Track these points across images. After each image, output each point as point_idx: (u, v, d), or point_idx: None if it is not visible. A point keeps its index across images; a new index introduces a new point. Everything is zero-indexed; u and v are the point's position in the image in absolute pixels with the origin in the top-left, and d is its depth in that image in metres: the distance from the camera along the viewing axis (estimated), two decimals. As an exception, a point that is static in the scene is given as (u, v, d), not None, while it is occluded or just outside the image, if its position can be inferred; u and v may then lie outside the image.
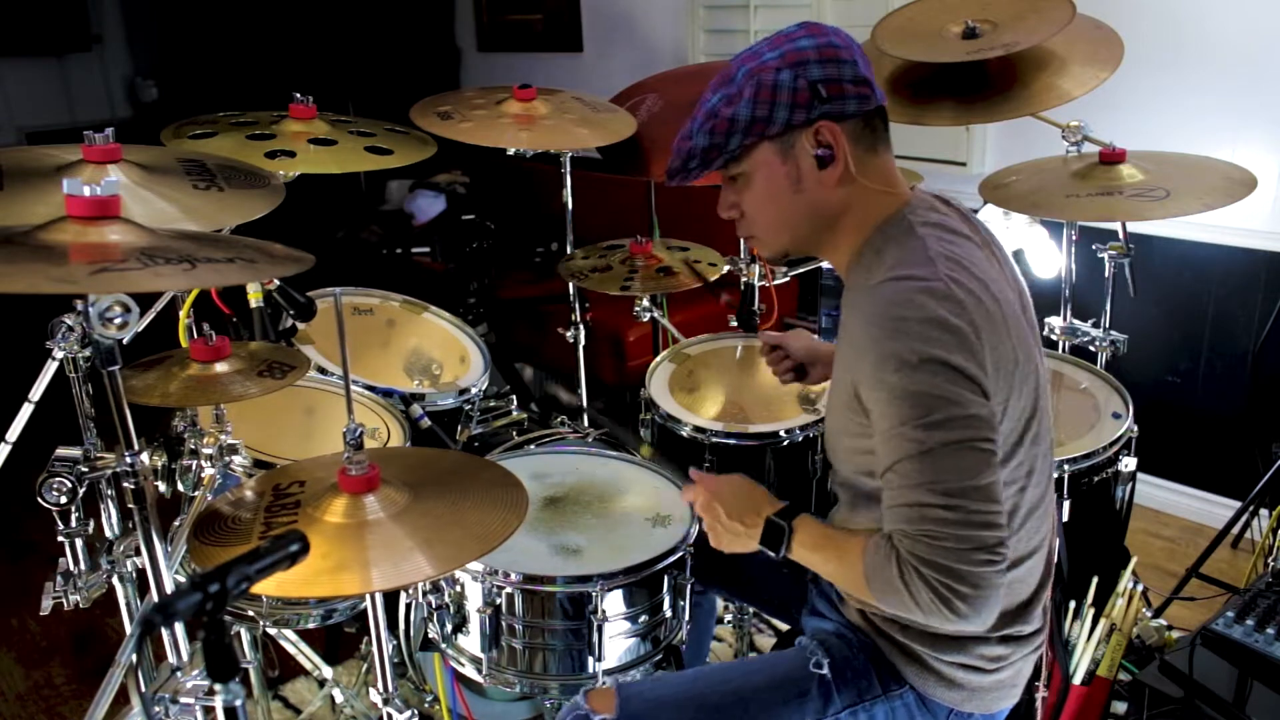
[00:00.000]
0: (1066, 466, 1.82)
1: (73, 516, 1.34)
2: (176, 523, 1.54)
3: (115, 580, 1.48)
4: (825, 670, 1.31)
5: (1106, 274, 2.21)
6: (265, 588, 1.20)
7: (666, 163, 2.22)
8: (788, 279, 2.37)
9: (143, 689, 1.30)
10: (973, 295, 1.13)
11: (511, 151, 2.12)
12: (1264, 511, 2.51)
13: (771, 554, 1.29)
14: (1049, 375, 1.30)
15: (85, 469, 1.27)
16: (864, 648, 1.33)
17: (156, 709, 1.24)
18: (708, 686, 1.33)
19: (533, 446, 1.96)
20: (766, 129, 1.18)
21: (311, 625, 1.79)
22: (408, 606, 1.79)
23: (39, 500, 1.26)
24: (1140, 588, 1.97)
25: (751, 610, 2.24)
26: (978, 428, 1.09)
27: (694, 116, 1.24)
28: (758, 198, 1.25)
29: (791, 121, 1.18)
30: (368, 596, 1.35)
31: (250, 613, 1.68)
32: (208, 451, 1.45)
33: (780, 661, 1.36)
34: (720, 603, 2.05)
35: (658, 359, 2.22)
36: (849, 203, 1.23)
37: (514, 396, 2.30)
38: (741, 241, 2.37)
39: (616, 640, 1.53)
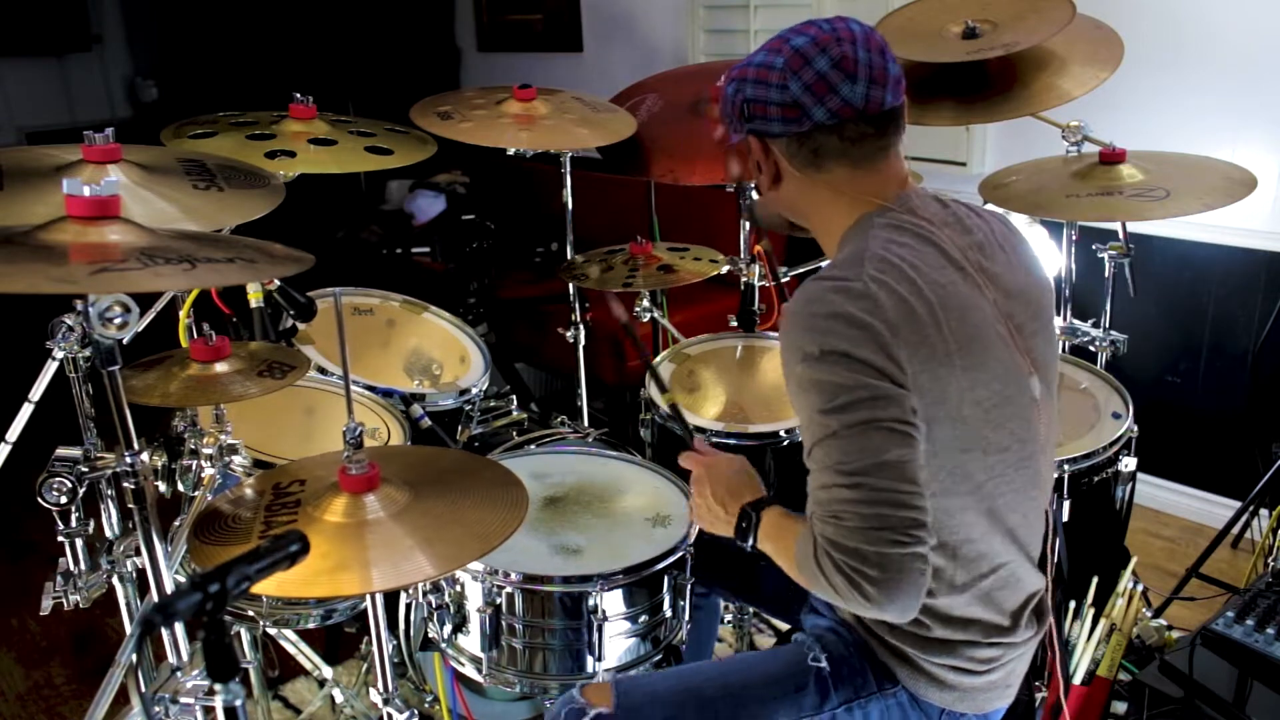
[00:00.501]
0: (1066, 466, 1.82)
1: (73, 516, 1.34)
2: (176, 523, 1.54)
3: (115, 580, 1.48)
4: (823, 665, 1.31)
5: (1106, 274, 2.21)
6: (265, 588, 1.20)
7: (667, 163, 2.23)
8: (788, 279, 2.37)
9: (143, 689, 1.30)
10: (895, 295, 1.13)
11: (511, 151, 2.12)
12: (1264, 511, 2.51)
13: (742, 543, 1.31)
14: (1040, 388, 1.26)
15: (85, 469, 1.27)
16: (858, 646, 1.33)
17: (156, 709, 1.24)
18: (704, 680, 1.34)
19: (533, 446, 1.96)
20: (730, 130, 1.29)
21: (311, 625, 1.79)
22: (408, 606, 1.79)
23: (39, 500, 1.25)
24: (1140, 588, 1.97)
25: (751, 610, 2.24)
26: (884, 407, 1.09)
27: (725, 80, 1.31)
28: (752, 175, 1.33)
29: (734, 129, 1.27)
30: (368, 596, 1.35)
31: (250, 613, 1.68)
32: (208, 451, 1.45)
33: (778, 656, 1.37)
34: (720, 603, 2.05)
35: (658, 359, 2.22)
36: (807, 205, 1.29)
37: (514, 396, 2.30)
38: (742, 241, 2.38)
39: (616, 640, 1.53)
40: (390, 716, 1.40)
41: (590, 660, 1.51)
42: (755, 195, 1.39)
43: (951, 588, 1.23)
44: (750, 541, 1.30)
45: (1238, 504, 2.52)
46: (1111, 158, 1.98)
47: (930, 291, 1.16)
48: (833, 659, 1.32)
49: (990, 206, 2.07)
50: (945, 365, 1.15)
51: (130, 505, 1.24)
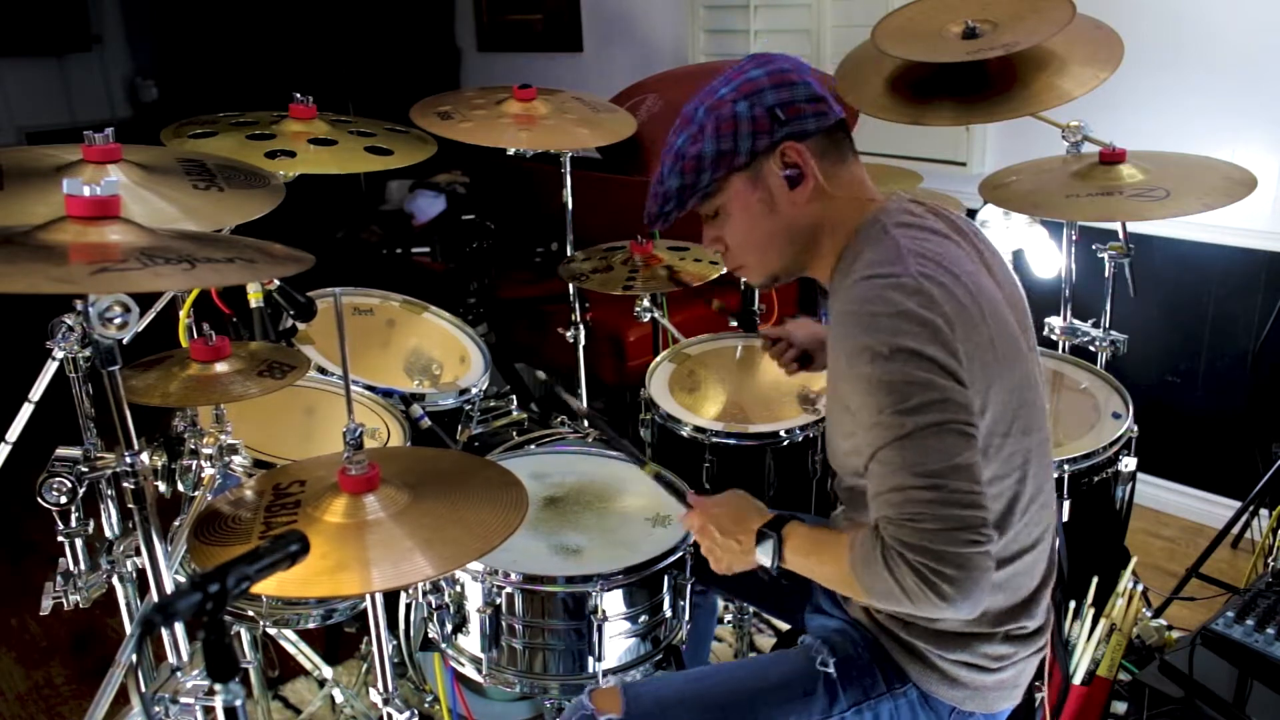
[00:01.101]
0: (1066, 466, 1.82)
1: (73, 516, 1.34)
2: (176, 523, 1.54)
3: (115, 580, 1.48)
4: (831, 669, 1.31)
5: (1106, 274, 2.21)
6: (265, 588, 1.20)
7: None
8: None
9: (143, 689, 1.30)
10: (944, 288, 1.14)
11: (511, 151, 2.12)
12: (1264, 511, 2.51)
13: (768, 565, 1.28)
14: (1044, 371, 1.31)
15: (85, 469, 1.27)
16: (868, 645, 1.33)
17: (156, 709, 1.24)
18: (713, 686, 1.34)
19: (533, 446, 1.96)
20: (734, 160, 1.22)
21: (311, 625, 1.79)
22: (408, 606, 1.79)
23: (39, 500, 1.25)
24: (1140, 588, 1.97)
25: (752, 610, 2.24)
26: (954, 410, 1.10)
27: (662, 162, 1.27)
28: (738, 228, 1.28)
29: (755, 149, 1.22)
30: (368, 596, 1.35)
31: (250, 613, 1.68)
32: (208, 451, 1.45)
33: (786, 660, 1.37)
34: (720, 603, 2.05)
35: (658, 359, 2.22)
36: (824, 216, 1.27)
37: (514, 396, 2.30)
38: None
39: (616, 640, 1.53)
40: (390, 716, 1.40)
41: (590, 660, 1.51)
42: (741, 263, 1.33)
43: None
44: (775, 563, 1.27)
45: (1238, 504, 2.52)
46: (1111, 158, 1.98)
47: (968, 282, 1.18)
48: (840, 661, 1.32)
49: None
50: (990, 353, 1.17)
51: (130, 505, 1.24)
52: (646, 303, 2.39)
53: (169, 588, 1.28)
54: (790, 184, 1.24)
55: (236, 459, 1.50)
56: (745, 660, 1.43)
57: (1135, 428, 1.95)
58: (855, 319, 1.14)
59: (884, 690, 1.30)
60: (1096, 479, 1.88)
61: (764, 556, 1.28)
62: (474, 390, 2.15)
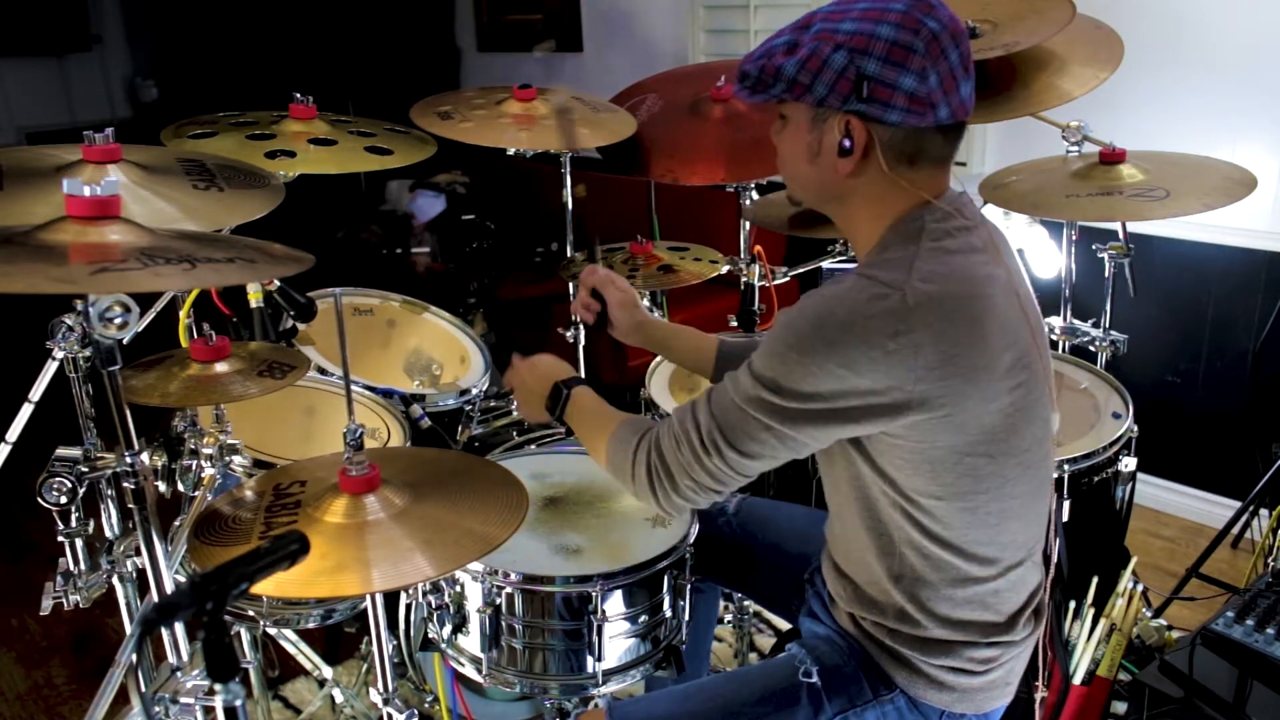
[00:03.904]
0: (1066, 466, 1.82)
1: (73, 516, 1.34)
2: (176, 523, 1.54)
3: (115, 580, 1.48)
4: (814, 678, 1.30)
5: (1106, 274, 2.21)
6: (265, 588, 1.20)
7: (667, 163, 2.23)
8: (788, 279, 2.37)
9: (143, 689, 1.30)
10: (936, 309, 1.10)
11: (511, 151, 2.12)
12: (1264, 511, 2.51)
13: (550, 419, 1.48)
14: (1049, 388, 1.26)
15: (85, 469, 1.27)
16: (853, 653, 1.32)
17: (156, 709, 1.24)
18: (699, 703, 1.33)
19: (533, 446, 1.96)
20: (805, 95, 1.15)
21: (311, 625, 1.79)
22: (408, 606, 1.79)
23: (39, 500, 1.25)
24: (1140, 588, 1.97)
25: (752, 610, 2.24)
26: (786, 422, 1.16)
27: (770, 39, 1.19)
28: (784, 145, 1.24)
29: (827, 101, 1.13)
30: (368, 596, 1.35)
31: (250, 613, 1.68)
32: (208, 451, 1.45)
33: (770, 671, 1.36)
34: (720, 603, 2.05)
35: (658, 359, 2.22)
36: (866, 193, 1.20)
37: (514, 396, 2.30)
38: (742, 241, 2.38)
39: (616, 640, 1.52)
40: (390, 716, 1.40)
41: (590, 661, 1.51)
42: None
43: (955, 584, 1.23)
44: (558, 412, 1.46)
45: (1238, 504, 2.52)
46: (1111, 158, 1.98)
47: (977, 299, 1.13)
48: (825, 670, 1.31)
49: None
50: (969, 379, 1.12)
51: (130, 505, 1.24)
52: (646, 302, 2.38)
53: (169, 588, 1.28)
54: (840, 150, 1.16)
55: (236, 459, 1.50)
56: (731, 673, 1.42)
57: (1135, 428, 1.95)
58: (829, 300, 1.13)
59: (870, 698, 1.29)
60: (1096, 479, 1.88)
61: (551, 407, 1.48)
62: (474, 390, 2.15)
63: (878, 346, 1.09)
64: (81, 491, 1.27)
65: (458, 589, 1.54)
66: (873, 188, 1.19)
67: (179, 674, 1.27)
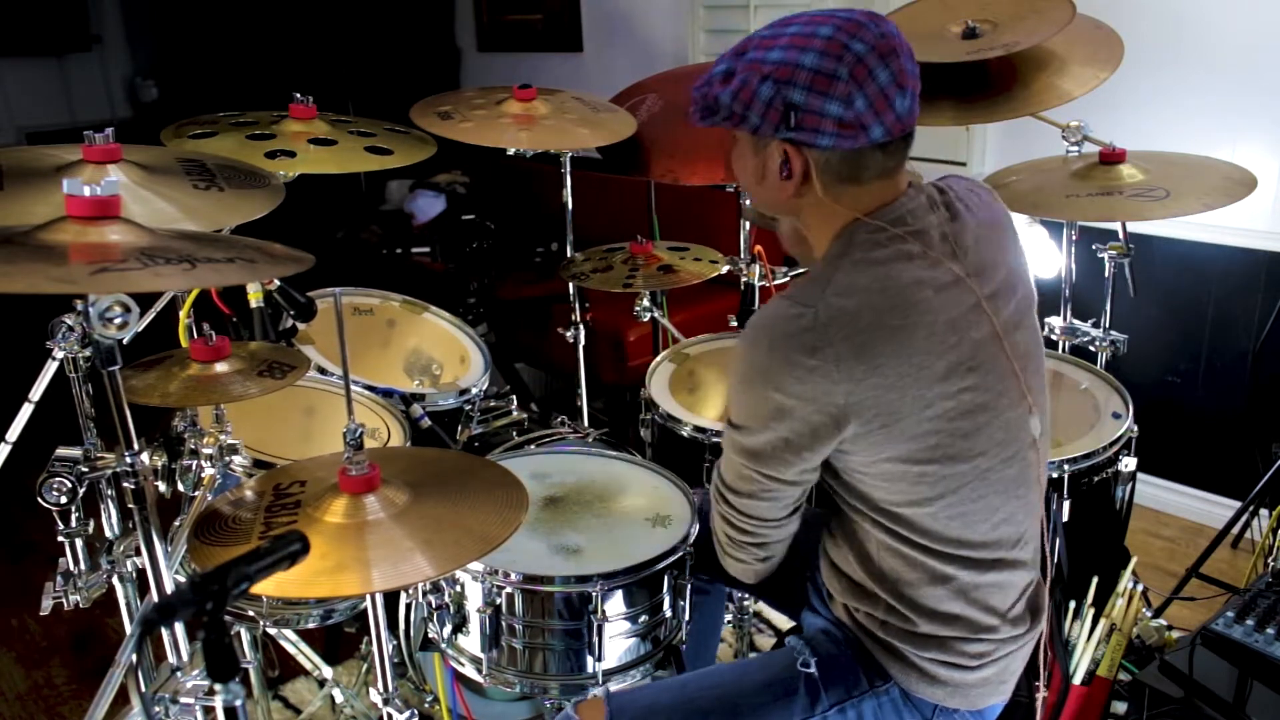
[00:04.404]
0: (1066, 466, 1.82)
1: (73, 516, 1.34)
2: (176, 523, 1.54)
3: (115, 580, 1.48)
4: (812, 668, 1.31)
5: (1106, 274, 2.21)
6: (265, 588, 1.20)
7: (667, 163, 2.23)
8: (787, 279, 2.37)
9: (143, 689, 1.30)
10: (852, 324, 1.12)
11: (511, 151, 2.12)
12: (1264, 511, 2.51)
13: None
14: (1019, 388, 1.23)
15: (85, 469, 1.27)
16: (850, 644, 1.33)
17: (156, 709, 1.25)
18: (697, 691, 1.34)
19: (533, 446, 1.96)
20: (742, 123, 1.17)
21: (311, 625, 1.79)
22: (408, 606, 1.79)
23: (39, 500, 1.25)
24: (1140, 588, 1.97)
25: (752, 610, 2.24)
26: (760, 461, 1.23)
27: (714, 64, 1.22)
28: (735, 165, 1.28)
29: (760, 130, 1.17)
30: (368, 596, 1.35)
31: (250, 613, 1.68)
32: (208, 451, 1.45)
33: (769, 662, 1.37)
34: (725, 595, 2.05)
35: (658, 359, 2.22)
36: (808, 209, 1.24)
37: (514, 396, 2.30)
38: (741, 241, 2.38)
39: (616, 640, 1.53)
40: (390, 716, 1.40)
41: (590, 661, 1.51)
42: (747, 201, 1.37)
43: (934, 582, 1.24)
44: None
45: (1238, 504, 2.52)
46: (1111, 158, 1.98)
47: (899, 307, 1.14)
48: (822, 661, 1.32)
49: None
50: (897, 387, 1.13)
51: (130, 505, 1.24)
52: (646, 302, 2.39)
53: (169, 588, 1.28)
54: (781, 171, 1.20)
55: (236, 459, 1.50)
56: (729, 664, 1.44)
57: (1135, 428, 1.95)
58: (757, 332, 1.18)
59: (866, 689, 1.30)
60: (1096, 479, 1.88)
61: None
62: (474, 390, 2.15)
63: (799, 365, 1.13)
64: (81, 491, 1.27)
65: (458, 589, 1.54)
66: (819, 207, 1.22)
67: (179, 674, 1.27)
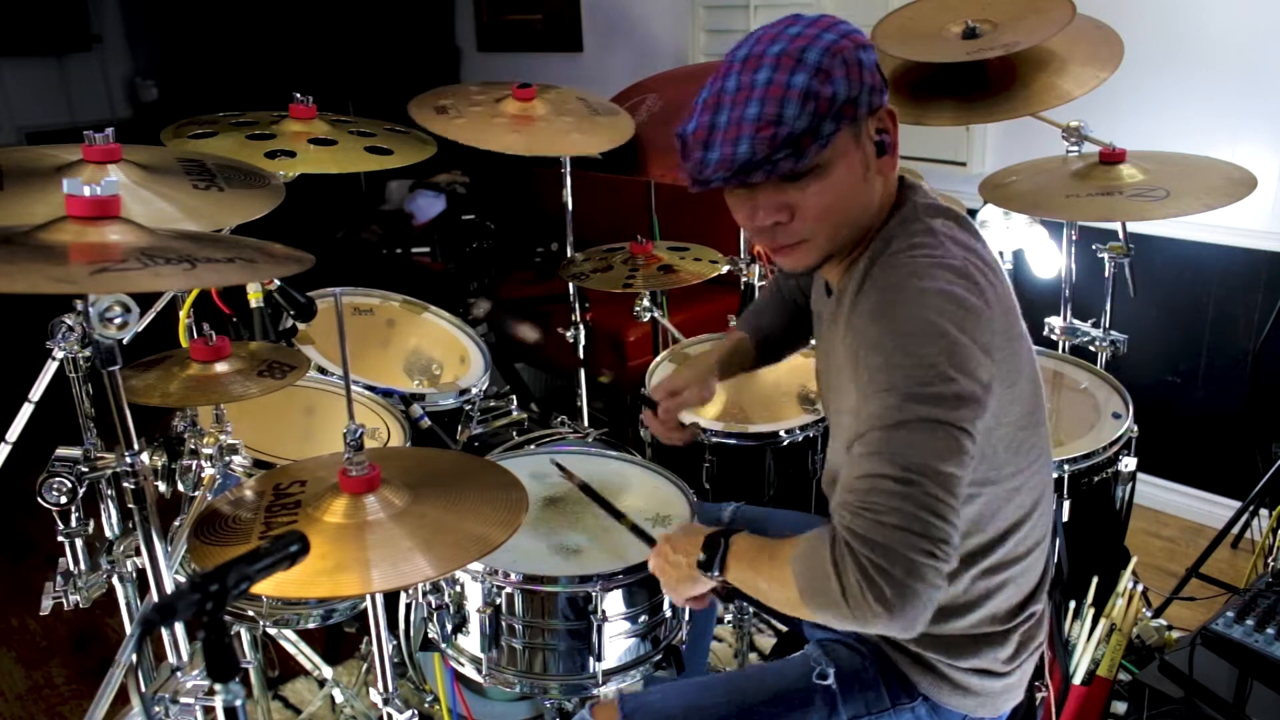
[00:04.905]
0: (1066, 466, 1.82)
1: (73, 516, 1.34)
2: (176, 523, 1.54)
3: (115, 580, 1.48)
4: (830, 681, 1.29)
5: (1106, 274, 2.21)
6: (265, 588, 1.20)
7: (666, 163, 2.23)
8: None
9: (143, 689, 1.30)
10: (985, 278, 1.12)
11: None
12: (1264, 511, 2.51)
13: (709, 577, 1.21)
14: (1043, 371, 1.30)
15: (85, 469, 1.27)
16: (874, 657, 1.31)
17: (156, 709, 1.25)
18: (712, 698, 1.32)
19: (533, 446, 1.96)
20: (855, 111, 1.08)
21: (311, 625, 1.79)
22: (408, 606, 1.79)
23: (39, 500, 1.25)
24: (1140, 588, 1.97)
25: (752, 610, 2.24)
26: (962, 412, 1.02)
27: (754, 100, 1.06)
28: (831, 191, 1.12)
29: (872, 104, 1.10)
30: (368, 596, 1.35)
31: (250, 613, 1.68)
32: (208, 451, 1.45)
33: (786, 671, 1.34)
34: (720, 603, 2.05)
35: (658, 359, 2.22)
36: (872, 186, 1.17)
37: (514, 396, 2.30)
38: (741, 242, 2.37)
39: (616, 640, 1.52)
40: (390, 716, 1.40)
41: (590, 661, 1.51)
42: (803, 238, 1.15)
43: (997, 569, 1.23)
44: (718, 571, 1.20)
45: (1238, 504, 2.52)
46: (1111, 158, 1.98)
47: (992, 270, 1.16)
48: (842, 673, 1.29)
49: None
50: (1015, 341, 1.16)
51: (130, 505, 1.24)
52: (646, 302, 2.39)
53: (169, 588, 1.28)
54: (879, 150, 1.14)
55: (236, 459, 1.50)
56: (745, 670, 1.41)
57: (1135, 428, 1.95)
58: (897, 291, 1.07)
59: (888, 705, 1.28)
60: (1096, 479, 1.88)
61: (706, 566, 1.21)
62: (474, 390, 2.15)
63: (966, 306, 1.08)
64: (81, 491, 1.27)
65: (458, 589, 1.54)
66: (885, 188, 1.19)
67: (179, 674, 1.27)
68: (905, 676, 1.29)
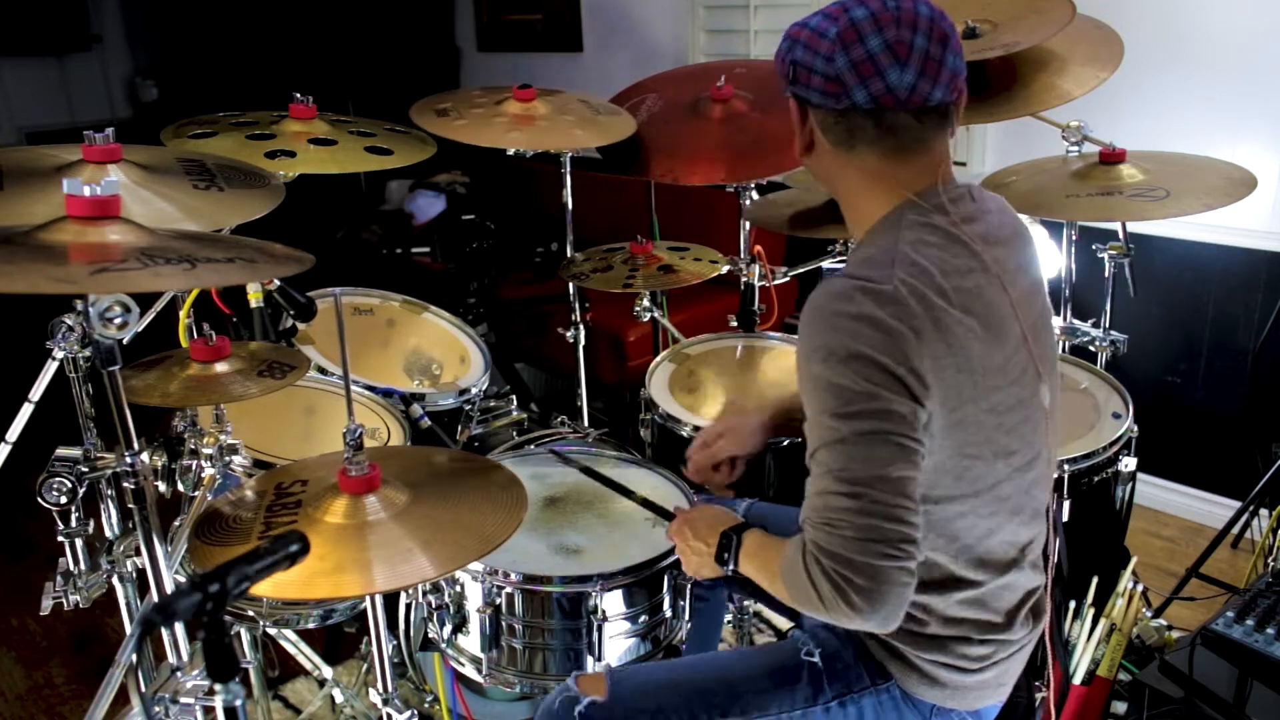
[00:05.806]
0: (1066, 466, 1.82)
1: (73, 516, 1.34)
2: (176, 523, 1.54)
3: (115, 580, 1.48)
4: (816, 659, 1.32)
5: (1106, 274, 2.21)
6: (265, 589, 1.20)
7: (667, 163, 2.23)
8: (788, 279, 2.37)
9: (143, 689, 1.30)
10: (924, 301, 1.11)
11: (511, 151, 2.11)
12: (1264, 511, 2.51)
13: (724, 569, 1.33)
14: (1046, 390, 1.25)
15: (85, 469, 1.27)
16: (853, 642, 1.33)
17: (156, 709, 1.25)
18: (699, 671, 1.35)
19: (533, 446, 1.96)
20: (785, 82, 1.22)
21: (311, 625, 1.79)
22: (408, 606, 1.79)
23: (39, 500, 1.26)
24: (1140, 588, 1.97)
25: (752, 610, 2.24)
26: (896, 422, 1.09)
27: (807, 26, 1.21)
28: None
29: (782, 86, 1.22)
30: (368, 597, 1.35)
31: (250, 613, 1.68)
32: (208, 451, 1.45)
33: (772, 650, 1.38)
34: (725, 598, 2.05)
35: (658, 359, 2.22)
36: (838, 180, 1.26)
37: (514, 396, 2.30)
38: (742, 242, 2.38)
39: (616, 640, 1.53)
40: (390, 716, 1.40)
41: (590, 660, 1.51)
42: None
43: (951, 586, 1.23)
44: (732, 565, 1.32)
45: (1238, 504, 2.52)
46: (1111, 158, 1.98)
47: (957, 297, 1.14)
48: (826, 654, 1.33)
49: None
50: (965, 372, 1.13)
51: (130, 505, 1.24)
52: (646, 302, 2.39)
53: (169, 588, 1.28)
54: (800, 128, 1.24)
55: (236, 459, 1.50)
56: (732, 650, 1.44)
57: (1135, 428, 1.95)
58: (822, 314, 1.13)
59: (867, 684, 1.30)
60: (1096, 479, 1.88)
61: (722, 557, 1.33)
62: (474, 390, 2.15)
63: (880, 324, 1.11)
64: (81, 491, 1.27)
65: (458, 589, 1.54)
66: (840, 175, 1.25)
67: (179, 674, 1.27)
68: (880, 663, 1.31)
